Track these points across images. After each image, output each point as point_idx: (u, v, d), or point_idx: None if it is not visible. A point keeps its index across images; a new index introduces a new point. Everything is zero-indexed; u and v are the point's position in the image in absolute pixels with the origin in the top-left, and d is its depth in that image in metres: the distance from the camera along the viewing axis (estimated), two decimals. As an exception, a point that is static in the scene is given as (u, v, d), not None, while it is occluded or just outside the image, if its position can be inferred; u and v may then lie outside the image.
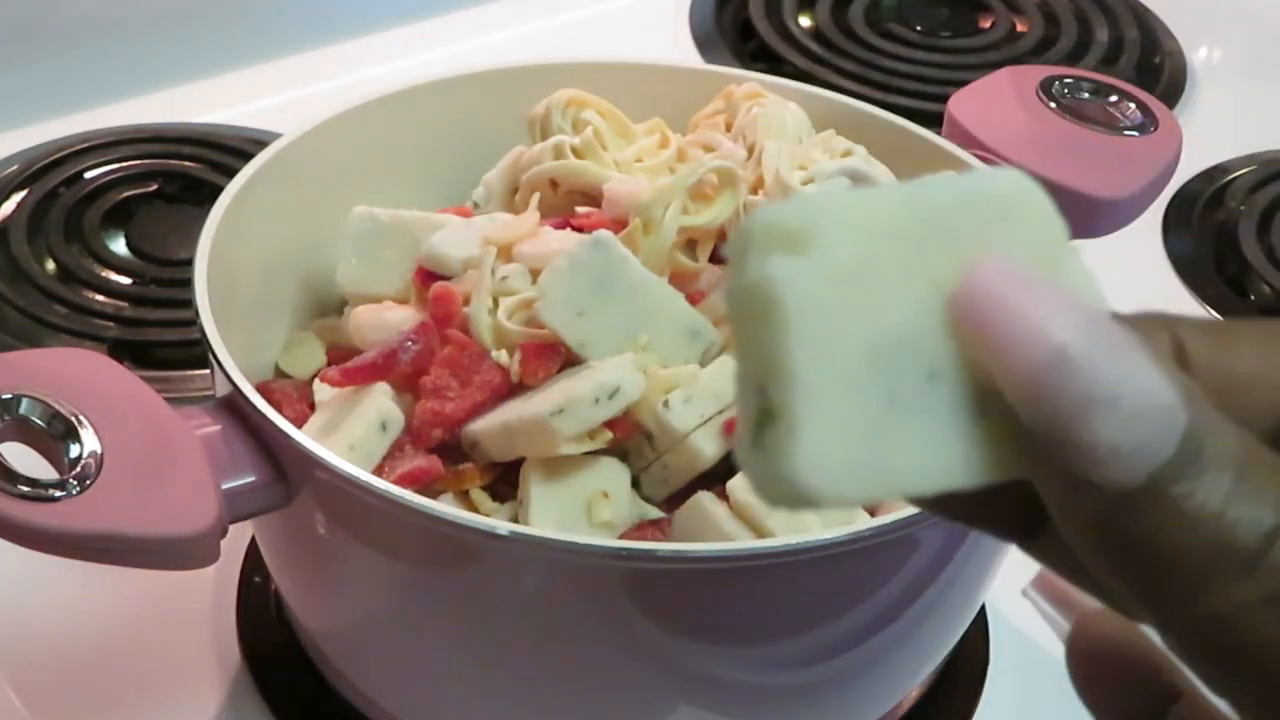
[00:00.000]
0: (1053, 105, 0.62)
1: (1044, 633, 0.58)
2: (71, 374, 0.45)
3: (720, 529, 0.47)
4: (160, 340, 0.71)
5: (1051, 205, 0.25)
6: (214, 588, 0.60)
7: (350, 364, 0.50)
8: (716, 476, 0.49)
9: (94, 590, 0.60)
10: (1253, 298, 0.82)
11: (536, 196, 0.55)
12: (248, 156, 0.57)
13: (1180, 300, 0.81)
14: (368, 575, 0.49)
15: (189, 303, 0.49)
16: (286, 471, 0.46)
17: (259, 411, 0.45)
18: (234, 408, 0.46)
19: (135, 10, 0.89)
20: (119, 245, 0.77)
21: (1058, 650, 0.31)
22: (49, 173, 0.80)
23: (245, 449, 0.46)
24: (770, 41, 0.96)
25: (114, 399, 0.45)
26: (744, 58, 0.96)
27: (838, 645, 0.49)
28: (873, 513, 0.46)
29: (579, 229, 0.52)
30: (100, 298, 0.73)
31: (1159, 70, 0.98)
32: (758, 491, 0.25)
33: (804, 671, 0.50)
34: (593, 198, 0.55)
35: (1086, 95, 0.64)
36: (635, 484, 0.49)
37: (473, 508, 0.49)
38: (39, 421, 0.44)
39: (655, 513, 0.49)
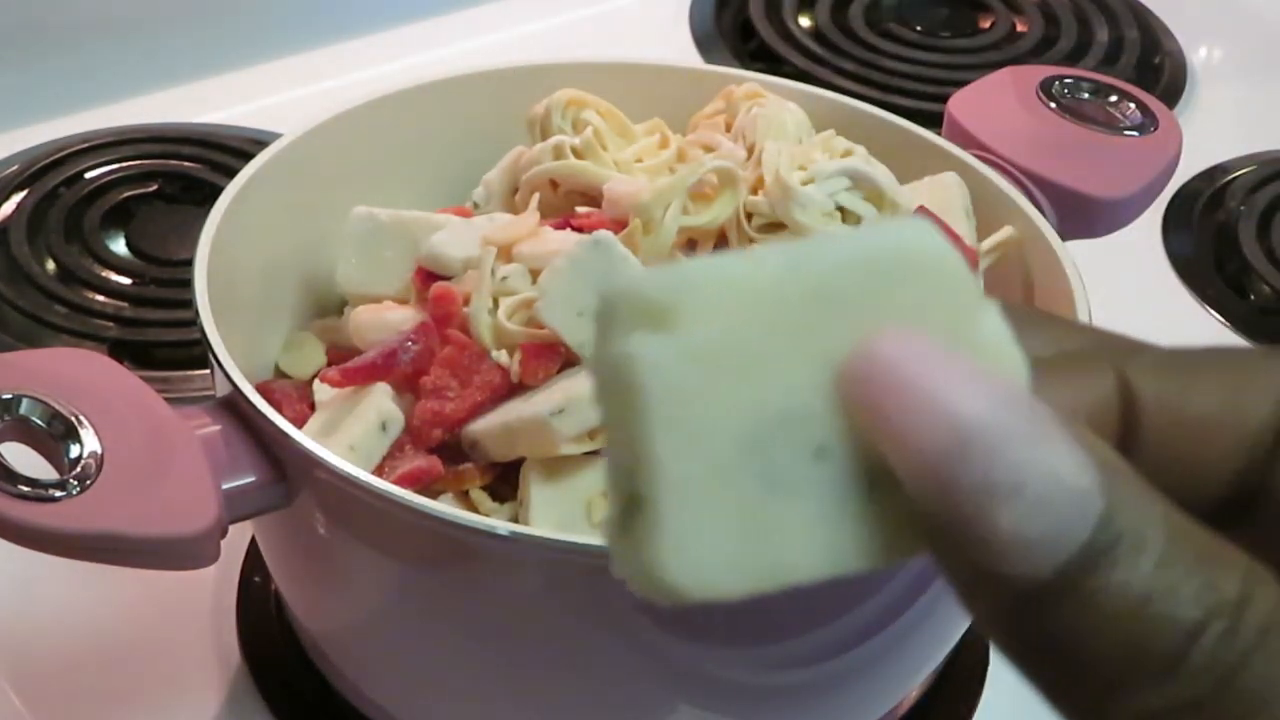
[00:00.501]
0: (1053, 105, 0.62)
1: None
2: (72, 374, 0.45)
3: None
4: (160, 340, 0.71)
5: (962, 261, 0.23)
6: (214, 588, 0.60)
7: (350, 364, 0.50)
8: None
9: (94, 590, 0.60)
10: (1253, 298, 0.82)
11: (536, 197, 0.55)
12: (248, 156, 0.57)
13: (1180, 300, 0.81)
14: (368, 575, 0.49)
15: (189, 303, 0.49)
16: (286, 472, 0.46)
17: (259, 412, 0.45)
18: (234, 408, 0.46)
19: (135, 10, 0.88)
20: (119, 245, 0.76)
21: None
22: (49, 173, 0.80)
23: (245, 449, 0.46)
24: (770, 42, 0.96)
25: (114, 399, 0.45)
26: (744, 58, 0.96)
27: (838, 645, 0.49)
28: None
29: (579, 229, 0.52)
30: (100, 298, 0.73)
31: (1159, 70, 0.98)
32: (627, 582, 0.23)
33: (804, 671, 0.50)
34: (593, 198, 0.55)
35: (1086, 95, 0.64)
36: (635, 484, 0.49)
37: (473, 508, 0.49)
38: (39, 421, 0.44)
39: (655, 513, 0.49)
